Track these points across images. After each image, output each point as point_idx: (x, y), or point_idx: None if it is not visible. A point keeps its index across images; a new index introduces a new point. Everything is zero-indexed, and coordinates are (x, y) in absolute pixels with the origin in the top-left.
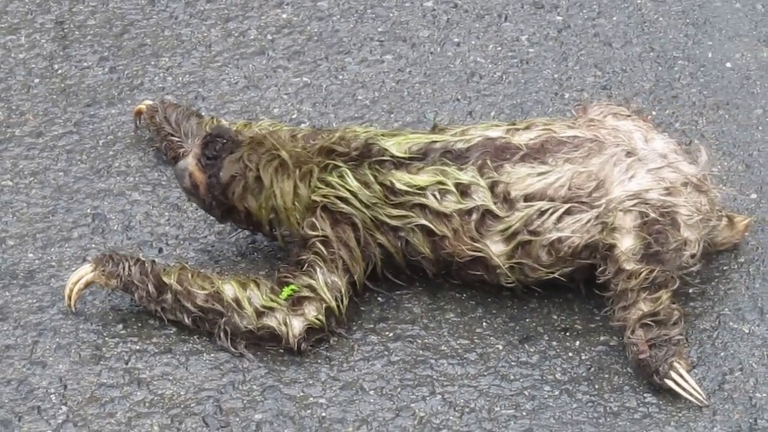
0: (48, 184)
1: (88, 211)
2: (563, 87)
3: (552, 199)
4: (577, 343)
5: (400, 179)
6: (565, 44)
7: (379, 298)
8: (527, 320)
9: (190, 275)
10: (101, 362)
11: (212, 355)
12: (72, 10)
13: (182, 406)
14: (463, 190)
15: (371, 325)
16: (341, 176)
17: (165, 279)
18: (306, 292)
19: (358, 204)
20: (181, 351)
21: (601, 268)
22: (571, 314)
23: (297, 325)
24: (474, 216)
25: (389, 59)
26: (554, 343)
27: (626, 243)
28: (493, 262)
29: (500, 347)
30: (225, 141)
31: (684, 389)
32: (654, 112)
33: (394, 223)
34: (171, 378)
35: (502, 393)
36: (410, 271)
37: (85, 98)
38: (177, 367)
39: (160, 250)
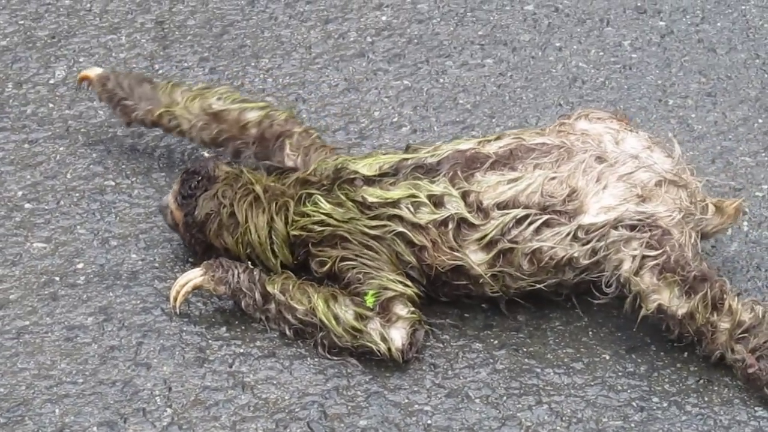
0: (150, 185)
1: None
2: (667, 93)
3: (527, 206)
4: (686, 354)
5: (372, 194)
6: (669, 50)
7: (483, 305)
8: (634, 330)
9: (291, 286)
10: (205, 365)
11: (316, 359)
12: (172, 10)
13: (287, 410)
14: (437, 201)
15: (475, 333)
16: (315, 203)
17: (269, 288)
18: (388, 293)
19: (335, 222)
20: (285, 355)
21: (664, 327)
22: None
23: (397, 337)
24: (450, 226)
25: (490, 63)
26: (662, 353)
27: (665, 296)
28: (473, 272)
29: (607, 357)
30: (200, 178)
31: None
32: (760, 120)
33: (374, 232)
34: (275, 382)
35: (610, 404)
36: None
37: None
38: (281, 372)
39: None
